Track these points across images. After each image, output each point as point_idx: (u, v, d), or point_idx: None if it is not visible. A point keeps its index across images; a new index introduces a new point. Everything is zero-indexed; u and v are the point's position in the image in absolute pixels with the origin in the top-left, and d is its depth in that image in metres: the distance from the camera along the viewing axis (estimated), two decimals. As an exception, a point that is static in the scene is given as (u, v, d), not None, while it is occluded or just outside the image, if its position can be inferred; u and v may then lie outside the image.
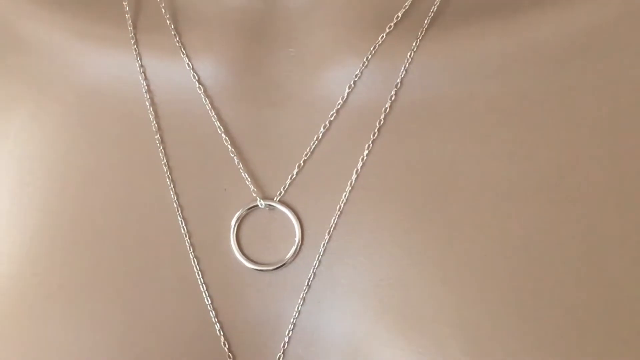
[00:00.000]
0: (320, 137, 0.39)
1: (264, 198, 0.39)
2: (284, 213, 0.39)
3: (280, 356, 0.39)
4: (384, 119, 0.39)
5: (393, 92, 0.39)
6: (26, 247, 0.40)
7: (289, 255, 0.39)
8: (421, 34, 0.40)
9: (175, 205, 0.40)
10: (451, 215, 0.39)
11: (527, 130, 0.40)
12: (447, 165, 0.39)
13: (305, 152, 0.40)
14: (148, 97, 0.41)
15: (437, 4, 0.40)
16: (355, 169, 0.39)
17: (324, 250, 0.39)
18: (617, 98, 0.40)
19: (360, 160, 0.39)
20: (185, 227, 0.40)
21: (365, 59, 0.40)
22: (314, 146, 0.40)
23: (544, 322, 0.37)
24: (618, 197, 0.39)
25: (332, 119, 0.40)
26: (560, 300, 0.38)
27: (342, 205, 0.39)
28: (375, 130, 0.39)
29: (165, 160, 0.40)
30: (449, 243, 0.38)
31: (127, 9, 0.42)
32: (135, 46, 0.41)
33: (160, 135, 0.40)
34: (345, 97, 0.40)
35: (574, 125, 0.40)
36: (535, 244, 0.38)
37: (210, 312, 0.39)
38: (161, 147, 0.40)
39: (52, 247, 0.40)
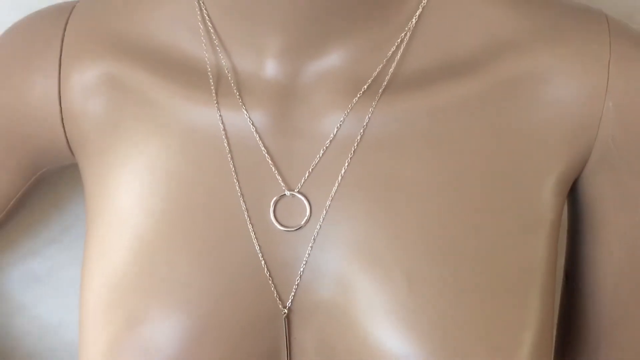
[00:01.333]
0: (321, 156, 0.51)
1: (289, 190, 0.51)
2: (300, 199, 0.51)
3: (297, 279, 0.50)
4: (357, 146, 0.50)
5: (362, 130, 0.50)
6: (156, 224, 0.52)
7: (303, 222, 0.51)
8: (378, 96, 0.51)
9: (239, 194, 0.51)
10: (399, 201, 0.49)
11: (447, 156, 0.50)
12: (397, 172, 0.50)
13: (312, 165, 0.51)
14: (224, 133, 0.52)
15: (388, 78, 0.51)
16: (340, 173, 0.50)
17: (323, 220, 0.51)
18: (496, 139, 0.51)
19: (343, 168, 0.50)
20: (245, 205, 0.51)
21: (347, 111, 0.51)
22: (317, 161, 0.51)
23: (454, 265, 0.49)
24: (488, 203, 0.50)
25: (327, 144, 0.51)
26: (459, 253, 0.49)
27: (334, 194, 0.50)
28: (352, 152, 0.50)
29: (234, 168, 0.52)
30: (397, 217, 0.49)
31: (212, 82, 0.53)
32: (216, 104, 0.52)
33: (231, 155, 0.52)
34: (335, 133, 0.51)
35: (473, 155, 0.50)
36: (449, 222, 0.50)
37: (259, 254, 0.51)
38: (231, 162, 0.51)
39: (167, 225, 0.51)
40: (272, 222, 0.51)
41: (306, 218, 0.51)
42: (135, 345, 0.49)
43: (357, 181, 0.50)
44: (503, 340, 0.48)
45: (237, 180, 0.51)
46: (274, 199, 0.51)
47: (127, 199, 0.53)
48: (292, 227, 0.51)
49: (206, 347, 0.49)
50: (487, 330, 0.47)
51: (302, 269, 0.50)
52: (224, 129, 0.52)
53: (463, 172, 0.50)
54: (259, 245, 0.51)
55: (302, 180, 0.51)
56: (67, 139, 0.57)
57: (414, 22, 0.51)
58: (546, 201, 0.51)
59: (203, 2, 0.52)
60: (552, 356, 0.58)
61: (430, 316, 0.47)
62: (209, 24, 0.52)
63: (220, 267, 0.50)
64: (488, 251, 0.49)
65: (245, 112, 0.52)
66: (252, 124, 0.52)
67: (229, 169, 0.52)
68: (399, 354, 0.47)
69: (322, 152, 0.51)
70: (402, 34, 0.51)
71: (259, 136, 0.51)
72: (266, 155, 0.51)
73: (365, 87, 0.51)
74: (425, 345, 0.47)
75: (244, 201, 0.51)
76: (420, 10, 0.51)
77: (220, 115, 0.52)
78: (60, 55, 0.55)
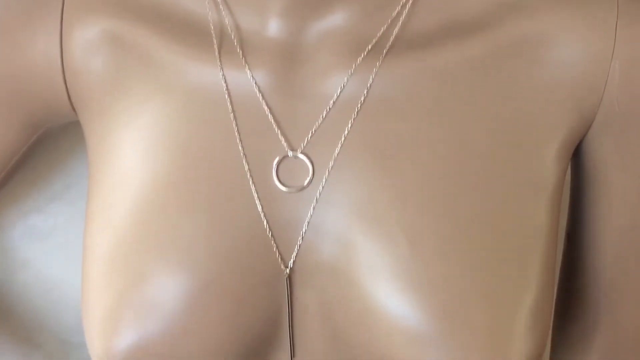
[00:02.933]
0: (324, 117, 0.50)
1: (292, 150, 0.51)
2: (303, 160, 0.51)
3: (299, 239, 0.50)
4: (360, 107, 0.50)
5: (365, 91, 0.50)
6: (159, 183, 0.52)
7: (305, 183, 0.50)
8: (382, 57, 0.50)
9: (242, 154, 0.51)
10: (401, 162, 0.49)
11: (451, 118, 0.50)
12: (400, 134, 0.50)
13: (316, 125, 0.51)
14: (227, 92, 0.52)
15: (392, 39, 0.50)
16: (343, 135, 0.50)
17: (325, 181, 0.50)
18: (501, 101, 0.50)
19: (346, 129, 0.50)
20: (247, 165, 0.51)
21: (350, 72, 0.50)
22: (320, 122, 0.51)
23: (456, 227, 0.49)
24: (492, 166, 0.50)
25: (331, 106, 0.50)
26: (461, 214, 0.49)
27: (336, 155, 0.50)
28: (355, 113, 0.50)
29: (236, 128, 0.51)
30: (400, 179, 0.49)
31: (215, 40, 0.52)
32: (219, 63, 0.52)
33: (233, 114, 0.51)
34: (338, 94, 0.50)
35: (477, 118, 0.50)
36: (452, 184, 0.49)
37: (262, 214, 0.51)
38: (234, 121, 0.51)
39: (170, 185, 0.52)
40: (275, 183, 0.51)
41: (309, 179, 0.51)
42: (139, 303, 0.49)
43: (360, 142, 0.50)
44: (504, 301, 0.48)
45: (240, 141, 0.51)
46: (277, 159, 0.51)
47: (129, 158, 0.53)
48: (294, 188, 0.51)
49: (209, 305, 0.50)
50: (488, 292, 0.48)
51: (304, 230, 0.50)
52: (227, 88, 0.52)
53: (466, 134, 0.50)
54: (261, 205, 0.51)
55: (305, 141, 0.51)
56: (69, 96, 0.57)
57: None
58: (549, 163, 0.51)
59: None
60: (552, 317, 0.58)
61: (432, 277, 0.47)
62: None
63: (223, 226, 0.50)
64: (490, 213, 0.49)
65: (248, 71, 0.52)
66: (255, 83, 0.51)
67: (232, 129, 0.51)
68: (399, 314, 0.47)
69: (325, 113, 0.51)
70: None
71: (262, 96, 0.51)
72: (269, 115, 0.51)
73: (369, 48, 0.50)
74: (425, 305, 0.47)
75: (246, 161, 0.51)
76: None
77: (223, 75, 0.52)
78: (62, 12, 0.55)
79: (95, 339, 0.50)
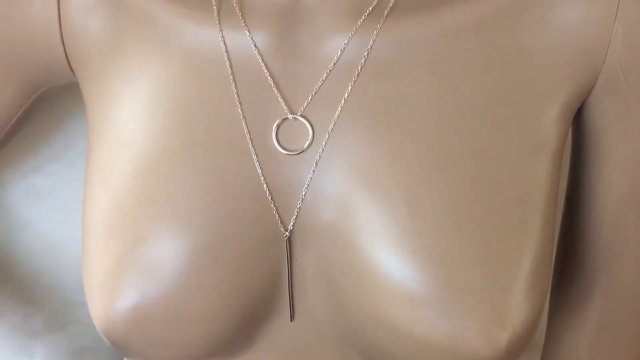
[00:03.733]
0: (324, 79, 0.50)
1: (292, 113, 0.50)
2: (303, 122, 0.50)
3: (299, 202, 0.50)
4: (361, 69, 0.49)
5: (366, 53, 0.49)
6: (158, 146, 0.51)
7: (305, 146, 0.50)
8: (382, 19, 0.50)
9: (241, 116, 0.50)
10: (402, 126, 0.49)
11: (451, 81, 0.49)
12: (400, 97, 0.49)
13: (315, 88, 0.50)
14: (226, 54, 0.51)
15: (392, 1, 0.50)
16: (343, 98, 0.50)
17: (325, 144, 0.50)
18: (501, 63, 0.50)
19: (347, 92, 0.49)
20: (246, 127, 0.50)
21: (350, 34, 0.50)
22: (320, 84, 0.50)
23: (454, 189, 0.48)
24: (492, 127, 0.49)
25: (331, 68, 0.50)
26: (460, 177, 0.49)
27: (336, 118, 0.50)
28: (355, 76, 0.49)
29: (236, 91, 0.51)
30: (399, 142, 0.49)
31: (214, 1, 0.52)
32: (218, 25, 0.51)
33: (233, 76, 0.51)
34: (339, 55, 0.50)
35: (477, 80, 0.49)
36: (449, 142, 0.49)
37: (261, 177, 0.50)
38: (234, 83, 0.51)
39: (169, 148, 0.51)
40: (275, 146, 0.51)
41: (309, 142, 0.50)
42: (139, 264, 0.49)
43: (360, 105, 0.50)
44: (502, 265, 0.48)
45: (240, 103, 0.51)
46: (277, 122, 0.51)
47: (128, 120, 0.53)
48: (294, 151, 0.50)
49: (209, 267, 0.49)
50: (486, 254, 0.47)
51: (303, 193, 0.50)
52: (226, 50, 0.51)
53: (466, 96, 0.49)
54: (261, 168, 0.50)
55: (305, 104, 0.51)
56: (67, 57, 0.57)
57: None
58: (550, 126, 0.50)
59: None
60: (550, 281, 0.58)
61: (430, 240, 0.47)
62: None
63: (222, 189, 0.50)
64: (489, 176, 0.49)
65: (247, 33, 0.51)
66: (255, 45, 0.51)
67: (231, 91, 0.51)
68: (397, 276, 0.47)
69: (325, 75, 0.50)
70: None
71: (262, 58, 0.51)
72: (269, 77, 0.51)
73: (370, 9, 0.50)
74: (423, 268, 0.47)
75: (246, 124, 0.51)
76: None
77: (222, 36, 0.51)
78: None
79: (95, 301, 0.50)
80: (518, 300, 0.47)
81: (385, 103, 0.49)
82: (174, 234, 0.49)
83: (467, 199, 0.48)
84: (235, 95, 0.51)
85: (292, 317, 0.51)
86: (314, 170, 0.50)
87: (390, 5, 0.50)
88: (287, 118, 0.51)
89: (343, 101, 0.50)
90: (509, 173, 0.49)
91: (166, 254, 0.49)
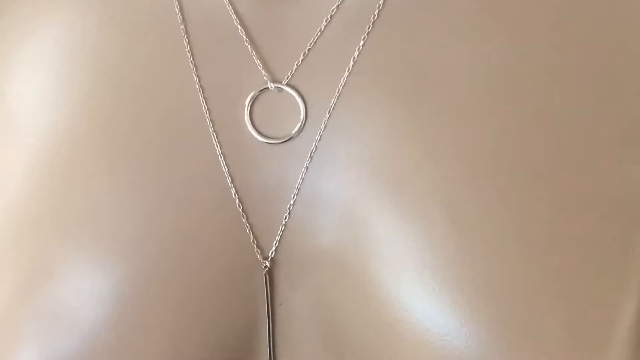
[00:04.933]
0: (322, 29, 0.43)
1: (274, 81, 0.43)
2: (290, 94, 0.43)
3: (286, 216, 0.42)
4: (378, 14, 0.42)
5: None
6: (73, 133, 0.44)
7: (294, 131, 0.43)
8: None
9: (197, 87, 0.43)
10: (433, 101, 0.42)
11: (505, 40, 0.43)
12: (432, 57, 0.43)
13: (310, 42, 0.43)
14: (176, 0, 0.45)
15: None
16: (352, 57, 0.42)
17: (325, 126, 0.43)
18: (584, 22, 0.43)
19: (357, 49, 0.42)
20: (205, 105, 0.43)
21: None
22: (317, 37, 0.43)
23: (518, 200, 0.41)
24: (573, 105, 0.42)
25: (332, 13, 0.43)
26: (532, 176, 0.41)
27: (341, 88, 0.43)
28: (370, 24, 0.42)
29: (189, 48, 0.44)
30: (433, 125, 0.42)
31: None
32: None
33: (184, 27, 0.44)
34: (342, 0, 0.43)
35: (544, 42, 0.43)
36: (508, 126, 0.42)
37: (227, 179, 0.43)
38: (185, 37, 0.44)
39: (90, 136, 0.44)
40: (248, 131, 0.43)
41: (299, 124, 0.43)
42: (40, 310, 0.42)
43: (374, 72, 0.43)
44: (592, 317, 0.40)
45: (195, 67, 0.44)
46: (251, 94, 0.43)
47: (27, 94, 0.46)
48: (277, 139, 0.43)
49: (148, 315, 0.43)
50: (568, 302, 0.40)
51: (292, 202, 0.43)
52: None
53: (529, 63, 0.42)
54: (227, 165, 0.43)
55: (294, 67, 0.43)
56: None
57: None
58: None
59: None
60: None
61: (485, 275, 0.40)
62: None
63: (169, 197, 0.43)
64: (571, 181, 0.41)
65: None
66: None
67: (182, 49, 0.44)
68: (433, 324, 0.41)
69: (323, 25, 0.43)
70: None
71: (228, 0, 0.44)
72: (239, 27, 0.44)
73: None
74: (476, 317, 0.40)
75: (204, 98, 0.43)
76: None
77: None
78: None
79: None
80: None
81: (410, 69, 0.43)
82: (96, 265, 0.43)
83: (541, 215, 0.41)
84: (189, 55, 0.44)
85: None
86: (307, 167, 0.43)
87: None
88: (268, 88, 0.43)
89: (351, 63, 0.42)
90: (602, 179, 0.42)
91: (84, 295, 0.42)
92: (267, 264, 0.43)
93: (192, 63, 0.44)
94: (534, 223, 0.41)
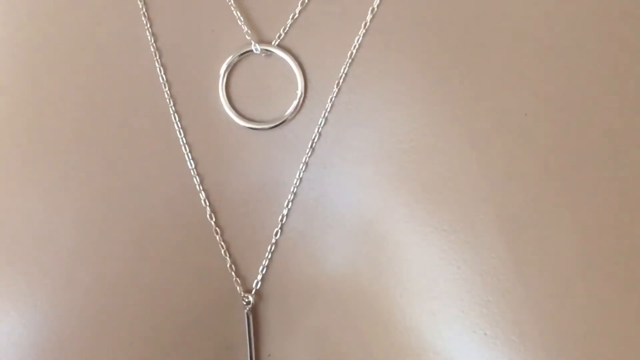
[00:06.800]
0: None
1: (260, 42, 0.36)
2: (283, 60, 0.36)
3: (277, 231, 0.36)
4: None
5: None
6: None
7: (289, 111, 0.36)
8: None
9: (152, 49, 0.36)
10: (479, 69, 0.36)
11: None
12: (476, 12, 0.37)
13: None
14: None
15: None
16: (370, 8, 0.36)
17: (332, 105, 0.36)
18: None
19: (370, 6, 0.36)
20: (164, 75, 0.36)
21: None
22: None
23: (587, 192, 0.35)
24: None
25: None
26: (602, 167, 0.36)
27: (354, 51, 0.36)
28: None
29: (144, 5, 0.37)
30: (477, 101, 0.35)
31: None
32: None
33: None
34: None
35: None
36: (573, 104, 0.36)
37: (194, 178, 0.36)
38: None
39: (18, 127, 0.38)
40: (224, 111, 0.37)
41: (296, 103, 0.36)
42: None
43: (402, 25, 0.37)
44: None
45: (148, 20, 0.37)
46: (228, 60, 0.37)
47: None
48: (265, 122, 0.36)
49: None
50: None
51: (285, 211, 0.37)
52: None
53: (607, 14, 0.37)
54: (193, 159, 0.37)
55: (288, 22, 0.37)
56: None
57: None
58: None
59: None
60: None
61: (557, 316, 0.35)
62: None
63: (112, 206, 0.37)
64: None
65: None
66: None
67: (134, 3, 0.38)
68: None
69: None
70: None
71: None
72: None
73: None
74: None
75: (161, 66, 0.37)
76: None
77: None
78: None
79: None
80: None
81: (454, 23, 0.37)
82: (9, 300, 0.37)
83: (623, 236, 0.36)
84: (140, 5, 0.38)
85: None
86: (306, 163, 0.37)
87: None
88: (252, 52, 0.37)
89: (369, 16, 0.36)
90: None
91: (12, 334, 0.37)
92: (251, 298, 0.37)
93: (144, 16, 0.37)
94: (621, 244, 0.36)
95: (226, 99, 0.37)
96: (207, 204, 0.37)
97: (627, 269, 0.35)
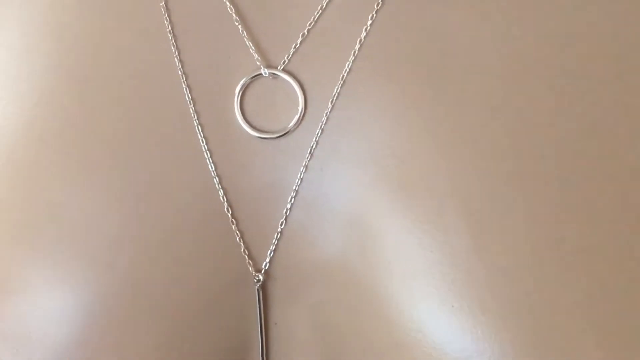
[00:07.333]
0: (324, 6, 0.40)
1: (268, 67, 0.40)
2: (287, 82, 0.40)
3: (282, 222, 0.40)
4: None
5: None
6: (32, 128, 0.41)
7: (292, 124, 0.40)
8: None
9: (179, 72, 0.40)
10: (448, 92, 0.39)
11: (521, 8, 0.40)
12: (449, 39, 0.40)
13: (309, 22, 0.40)
14: None
15: None
16: (358, 39, 0.39)
17: (327, 119, 0.40)
18: None
19: (364, 30, 0.39)
20: (189, 94, 0.40)
21: None
22: (318, 15, 0.40)
23: (536, 189, 0.38)
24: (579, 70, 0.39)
25: None
26: (551, 167, 0.38)
27: (345, 74, 0.39)
28: (380, 0, 0.39)
29: (170, 28, 0.40)
30: (445, 117, 0.39)
31: None
32: None
33: (165, 3, 0.40)
34: None
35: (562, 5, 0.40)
36: (530, 116, 0.39)
37: (214, 179, 0.40)
38: (166, 15, 0.40)
39: (52, 130, 0.41)
40: (239, 124, 0.40)
41: (298, 116, 0.40)
42: (2, 329, 0.40)
43: (383, 56, 0.40)
44: (632, 343, 0.37)
45: (177, 50, 0.40)
46: (242, 82, 0.40)
47: None
48: (272, 133, 0.40)
49: (123, 336, 0.40)
50: (605, 325, 0.37)
51: (289, 206, 0.40)
52: None
53: (580, 36, 0.39)
54: (214, 163, 0.40)
55: (291, 50, 0.40)
56: None
57: None
58: None
59: None
60: None
61: (512, 290, 0.37)
62: None
63: (147, 201, 0.40)
64: (606, 185, 0.38)
65: None
66: None
67: (163, 29, 0.41)
68: (454, 354, 0.38)
69: (325, 2, 0.40)
70: None
71: None
72: (227, 4, 0.41)
73: None
74: (501, 341, 0.37)
75: (187, 86, 0.40)
76: None
77: None
78: None
79: None
80: None
81: (430, 51, 0.40)
82: (64, 279, 0.40)
83: (577, 221, 0.38)
84: (170, 37, 0.41)
85: None
86: (306, 166, 0.40)
87: None
88: (261, 75, 0.40)
89: (357, 46, 0.39)
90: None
91: (50, 313, 0.40)
92: (260, 277, 0.40)
93: (174, 46, 0.41)
94: (568, 231, 0.38)
95: (240, 114, 0.40)
96: (225, 199, 0.40)
97: (573, 252, 0.38)
